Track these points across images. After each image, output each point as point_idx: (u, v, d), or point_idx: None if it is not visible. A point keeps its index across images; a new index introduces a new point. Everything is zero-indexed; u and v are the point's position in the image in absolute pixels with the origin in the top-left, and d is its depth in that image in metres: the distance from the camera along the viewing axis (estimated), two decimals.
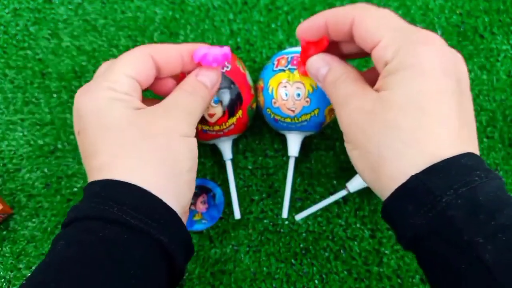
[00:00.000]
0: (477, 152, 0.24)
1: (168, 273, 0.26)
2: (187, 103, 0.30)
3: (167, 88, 0.33)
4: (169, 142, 0.27)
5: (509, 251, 0.20)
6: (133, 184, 0.25)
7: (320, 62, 0.30)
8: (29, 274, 0.23)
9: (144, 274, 0.24)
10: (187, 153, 0.28)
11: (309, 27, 0.30)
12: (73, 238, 0.24)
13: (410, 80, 0.23)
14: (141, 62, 0.29)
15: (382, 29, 0.25)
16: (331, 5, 0.48)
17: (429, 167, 0.22)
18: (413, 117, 0.23)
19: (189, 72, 0.33)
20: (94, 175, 0.26)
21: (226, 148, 0.40)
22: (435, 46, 0.24)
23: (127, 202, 0.24)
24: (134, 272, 0.23)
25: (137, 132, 0.27)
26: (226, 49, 0.33)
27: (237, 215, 0.40)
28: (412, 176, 0.22)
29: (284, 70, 0.37)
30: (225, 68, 0.37)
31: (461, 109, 0.24)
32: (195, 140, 0.29)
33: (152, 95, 0.34)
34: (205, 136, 0.38)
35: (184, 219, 0.28)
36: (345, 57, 0.32)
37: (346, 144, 0.28)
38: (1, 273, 0.40)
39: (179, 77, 0.35)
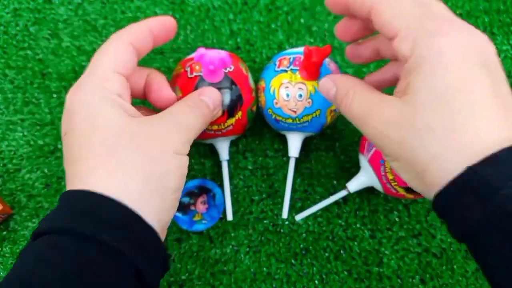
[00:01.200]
0: None
1: None
2: (187, 118, 0.29)
3: (166, 100, 0.32)
4: (160, 157, 0.26)
5: None
6: (112, 199, 0.24)
7: (328, 83, 0.30)
8: None
9: None
10: (177, 171, 0.27)
11: (334, 3, 0.28)
12: (42, 253, 0.22)
13: (431, 77, 0.22)
14: (125, 54, 0.28)
15: (398, 20, 0.23)
16: None
17: (485, 158, 0.20)
18: (444, 115, 0.22)
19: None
20: (74, 182, 0.25)
21: (223, 148, 0.40)
22: (452, 35, 0.22)
23: (104, 217, 0.23)
24: None
25: (128, 140, 0.25)
26: (224, 54, 0.33)
27: (230, 217, 0.40)
28: (467, 168, 0.21)
29: (286, 71, 0.37)
30: (227, 69, 0.37)
31: (497, 92, 0.22)
32: (187, 158, 0.28)
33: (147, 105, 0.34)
34: (203, 135, 0.38)
35: (162, 237, 0.27)
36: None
37: (385, 157, 0.26)
38: (1, 273, 0.40)
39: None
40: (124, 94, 0.27)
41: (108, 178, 0.24)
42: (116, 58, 0.27)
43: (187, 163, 0.28)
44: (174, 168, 0.27)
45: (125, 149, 0.25)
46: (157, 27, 0.30)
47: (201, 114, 0.30)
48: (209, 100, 0.31)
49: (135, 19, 0.47)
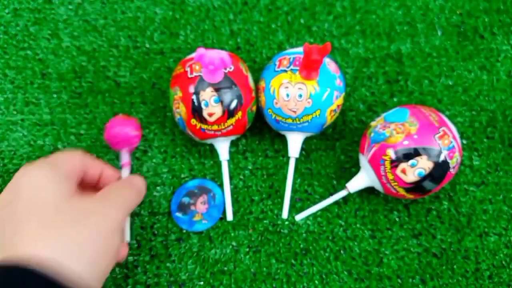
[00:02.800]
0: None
1: None
2: (124, 194, 0.32)
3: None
4: (98, 231, 0.28)
5: None
6: (42, 275, 0.24)
7: None
8: None
9: None
10: (112, 245, 0.29)
11: None
12: None
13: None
14: (78, 162, 0.33)
15: None
16: (331, 5, 0.48)
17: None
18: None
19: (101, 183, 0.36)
20: (10, 250, 0.26)
21: (223, 148, 0.40)
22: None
23: None
24: None
25: (68, 215, 0.27)
26: (224, 54, 0.33)
27: (230, 217, 0.40)
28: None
29: (286, 71, 0.37)
30: (227, 69, 0.37)
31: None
32: (120, 235, 0.30)
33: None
34: (203, 135, 0.38)
35: None
36: None
37: None
38: None
39: None
40: (71, 179, 0.31)
41: (44, 249, 0.26)
42: (69, 158, 0.32)
43: (119, 239, 0.30)
44: (110, 243, 0.29)
45: (66, 224, 0.27)
46: (108, 172, 0.36)
47: (136, 190, 0.34)
48: (140, 183, 0.35)
49: (135, 19, 0.47)
